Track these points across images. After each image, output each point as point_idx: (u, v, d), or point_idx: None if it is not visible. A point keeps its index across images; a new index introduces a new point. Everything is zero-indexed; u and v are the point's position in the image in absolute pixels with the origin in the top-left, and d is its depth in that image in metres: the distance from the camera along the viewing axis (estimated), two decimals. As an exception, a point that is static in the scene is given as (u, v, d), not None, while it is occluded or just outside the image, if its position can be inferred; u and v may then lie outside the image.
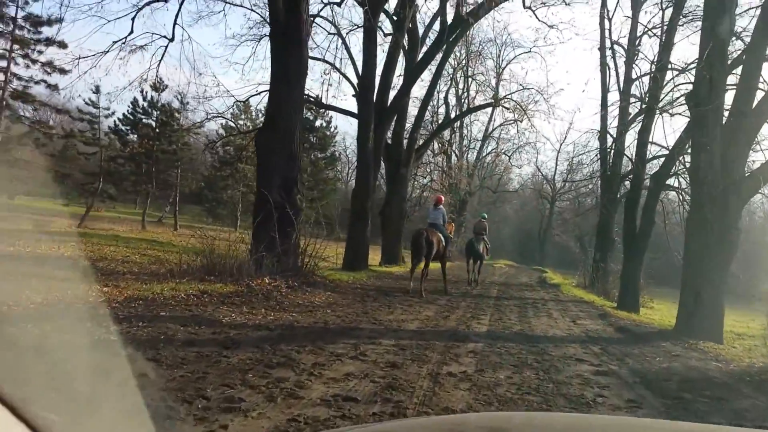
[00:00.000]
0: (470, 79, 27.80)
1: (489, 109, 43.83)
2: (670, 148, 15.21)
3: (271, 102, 12.32)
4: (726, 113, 9.85)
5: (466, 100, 27.14)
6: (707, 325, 9.55)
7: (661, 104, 14.57)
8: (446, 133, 40.62)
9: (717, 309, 9.61)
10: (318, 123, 38.34)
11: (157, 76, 17.18)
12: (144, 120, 29.46)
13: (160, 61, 16.73)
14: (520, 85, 24.55)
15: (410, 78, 19.21)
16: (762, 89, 9.64)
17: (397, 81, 20.39)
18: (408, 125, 25.00)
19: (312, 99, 22.73)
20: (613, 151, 21.43)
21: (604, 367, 6.42)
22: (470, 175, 43.77)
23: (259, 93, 22.45)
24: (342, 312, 8.68)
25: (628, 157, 16.96)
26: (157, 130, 28.35)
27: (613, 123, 22.00)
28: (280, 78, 12.01)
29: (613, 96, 22.49)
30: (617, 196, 21.68)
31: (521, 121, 31.36)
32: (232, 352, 5.20)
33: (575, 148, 44.39)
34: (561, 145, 49.83)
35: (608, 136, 22.03)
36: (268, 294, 9.24)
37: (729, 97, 10.14)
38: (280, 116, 11.93)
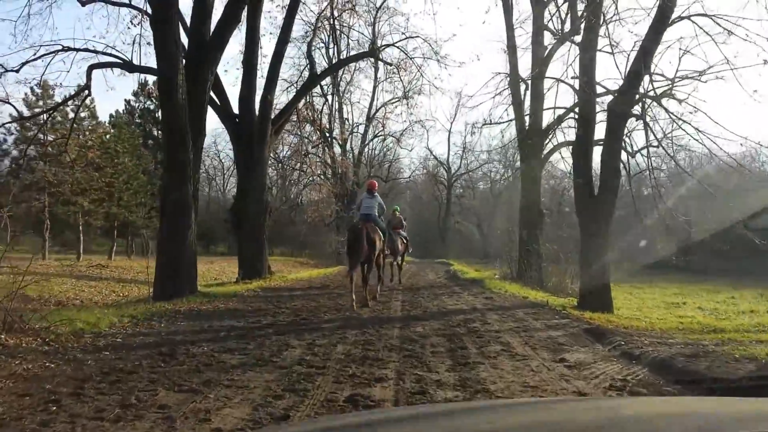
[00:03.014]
0: (340, 33, 21.78)
1: (370, 88, 38.50)
2: (634, 56, 10.15)
3: None
4: None
5: (336, 57, 21.02)
6: None
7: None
8: (325, 118, 34.73)
9: None
10: (161, 113, 30.94)
11: None
12: None
13: None
14: (403, 33, 18.97)
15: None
16: None
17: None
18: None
19: (121, 61, 15.79)
20: (529, 92, 16.42)
21: None
22: (357, 164, 38.12)
23: (39, 57, 15.36)
24: None
25: (570, 86, 11.67)
26: None
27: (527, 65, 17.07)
28: None
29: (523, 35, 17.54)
30: (542, 154, 16.67)
31: (407, 98, 26.22)
32: None
33: (471, 117, 40.32)
34: (453, 121, 45.20)
35: (521, 82, 17.03)
36: None
37: None
38: None
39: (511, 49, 16.98)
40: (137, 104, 30.42)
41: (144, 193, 27.14)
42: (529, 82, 16.72)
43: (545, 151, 16.72)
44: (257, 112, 16.83)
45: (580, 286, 10.86)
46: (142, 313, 7.69)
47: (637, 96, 10.67)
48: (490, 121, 17.08)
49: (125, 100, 29.41)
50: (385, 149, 43.82)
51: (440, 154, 49.02)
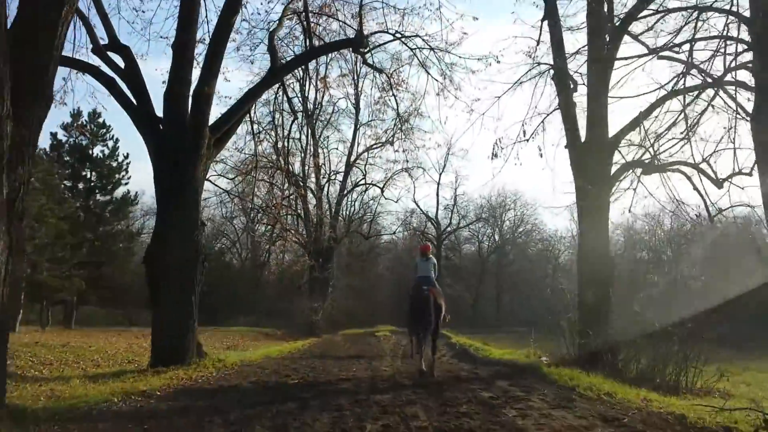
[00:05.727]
0: (312, 33, 16.49)
1: (351, 130, 33.45)
2: None
3: None
4: None
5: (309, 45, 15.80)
6: None
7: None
8: (298, 163, 29.67)
9: None
10: (95, 150, 25.37)
11: None
12: None
13: None
14: (397, 31, 14.06)
15: None
16: None
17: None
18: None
19: None
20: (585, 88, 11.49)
21: None
22: (334, 217, 32.74)
23: None
24: None
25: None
26: None
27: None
28: None
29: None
30: (609, 177, 11.47)
31: (401, 121, 21.13)
32: None
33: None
34: (442, 172, 39.93)
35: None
36: None
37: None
38: None
39: (554, 28, 12.11)
40: (67, 139, 24.78)
41: (62, 246, 21.23)
42: (584, 74, 11.83)
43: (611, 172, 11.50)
44: (189, 114, 11.51)
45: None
46: None
47: None
48: (524, 133, 11.86)
49: (50, 133, 23.93)
50: (364, 205, 38.61)
51: (427, 209, 43.58)
